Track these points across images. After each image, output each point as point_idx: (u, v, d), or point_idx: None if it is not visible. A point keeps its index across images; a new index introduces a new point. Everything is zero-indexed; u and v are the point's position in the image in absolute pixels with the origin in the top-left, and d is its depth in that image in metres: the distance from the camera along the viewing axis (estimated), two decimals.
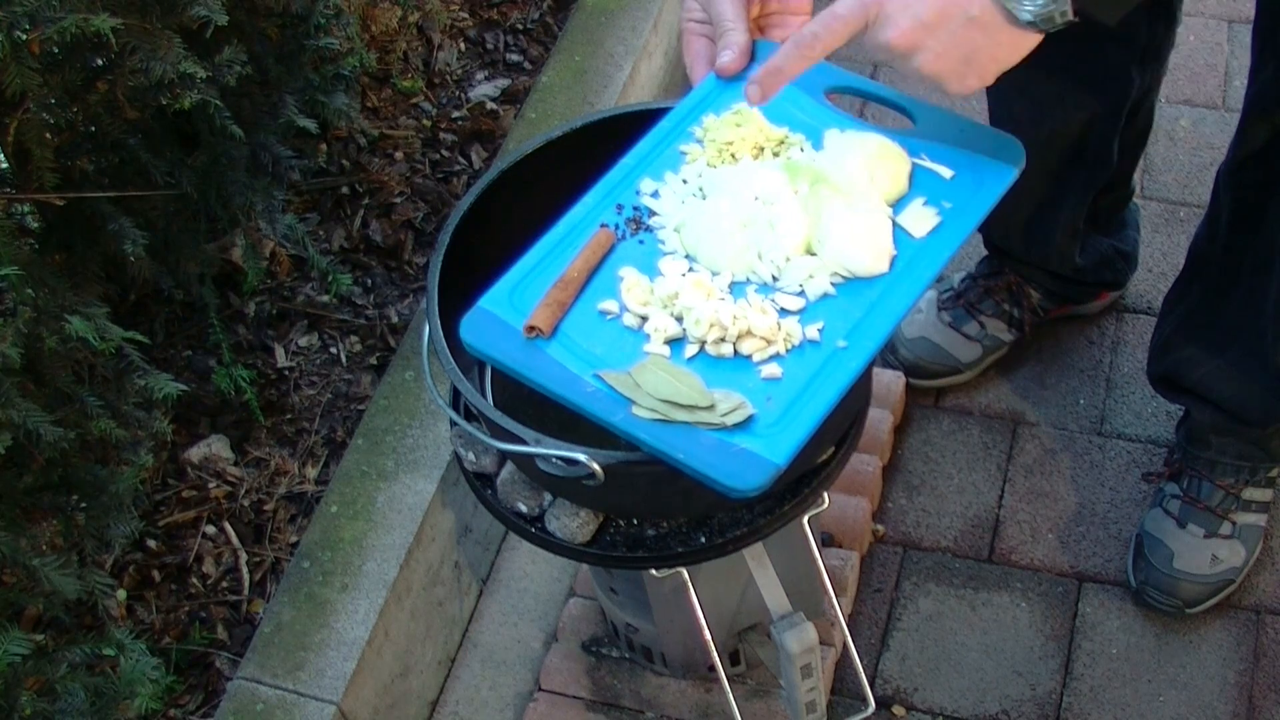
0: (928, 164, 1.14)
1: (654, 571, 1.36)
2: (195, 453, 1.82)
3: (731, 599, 1.54)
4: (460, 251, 1.30)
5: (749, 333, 1.04)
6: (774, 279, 1.08)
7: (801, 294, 1.07)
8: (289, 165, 1.78)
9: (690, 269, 1.09)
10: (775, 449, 0.98)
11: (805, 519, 1.41)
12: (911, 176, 1.13)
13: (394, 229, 2.07)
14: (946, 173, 1.13)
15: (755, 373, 1.03)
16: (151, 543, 1.75)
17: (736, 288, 1.08)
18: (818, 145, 1.16)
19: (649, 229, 1.13)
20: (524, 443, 1.16)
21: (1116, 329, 2.03)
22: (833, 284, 1.07)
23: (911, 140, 1.15)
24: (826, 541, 1.78)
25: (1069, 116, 1.68)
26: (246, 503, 1.79)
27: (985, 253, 1.97)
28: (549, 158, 1.36)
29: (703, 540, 1.29)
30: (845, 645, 1.63)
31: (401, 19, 2.27)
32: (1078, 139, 1.71)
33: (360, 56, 1.98)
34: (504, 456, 1.33)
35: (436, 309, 1.24)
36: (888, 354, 1.98)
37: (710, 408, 1.00)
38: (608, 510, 1.31)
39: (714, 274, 1.09)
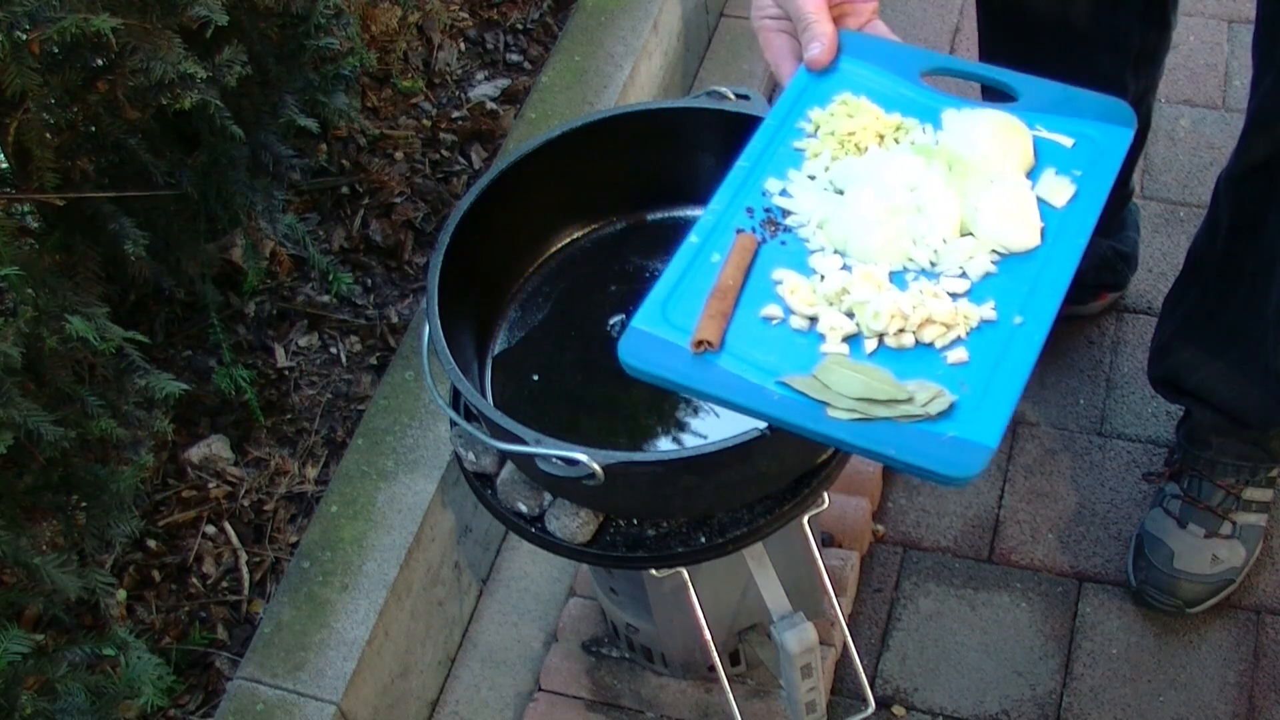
0: (1046, 134, 1.13)
1: (654, 571, 1.36)
2: (195, 453, 1.82)
3: (731, 599, 1.54)
4: (460, 251, 1.30)
5: (929, 320, 1.02)
6: (933, 265, 1.06)
7: (964, 276, 1.06)
8: (289, 165, 1.78)
9: (844, 264, 1.07)
10: (985, 432, 0.96)
11: (805, 519, 1.41)
12: (1035, 149, 1.13)
13: (394, 229, 2.07)
14: (1067, 141, 1.12)
15: (940, 360, 1.01)
16: (151, 543, 1.75)
17: (895, 278, 1.06)
18: (939, 126, 1.15)
19: (787, 229, 1.10)
20: (524, 443, 1.16)
21: (1116, 329, 2.03)
22: (992, 263, 1.06)
23: (1021, 113, 1.14)
24: (826, 541, 1.78)
25: None
26: (246, 503, 1.79)
27: None
28: (549, 158, 1.37)
29: (703, 540, 1.29)
30: (845, 645, 1.63)
31: (401, 19, 2.27)
32: None
33: (360, 56, 1.98)
34: (504, 456, 1.33)
35: (436, 309, 1.24)
36: None
37: (909, 400, 0.98)
38: (608, 510, 1.31)
39: (874, 265, 1.07)
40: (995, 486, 1.89)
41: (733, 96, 1.35)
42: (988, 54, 1.71)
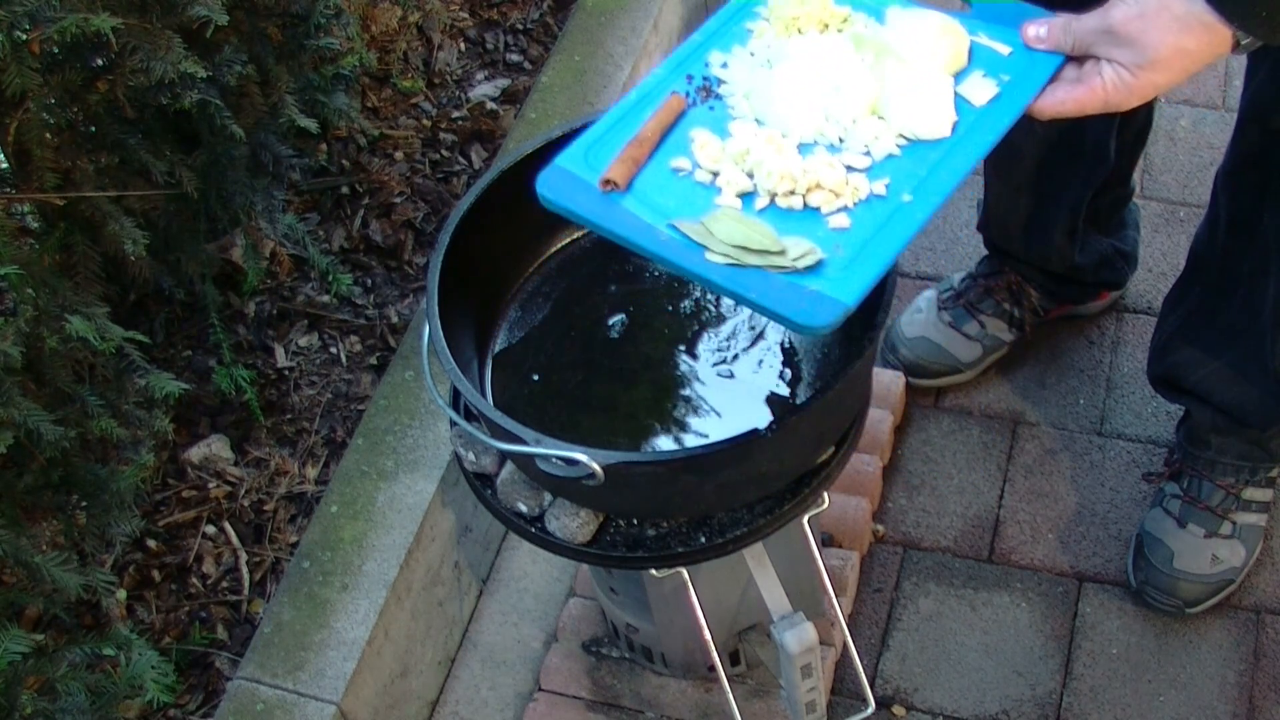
0: (985, 41, 1.18)
1: (654, 571, 1.36)
2: (195, 453, 1.82)
3: (731, 599, 1.54)
4: (460, 251, 1.30)
5: (818, 185, 1.08)
6: (840, 140, 1.13)
7: (867, 154, 1.12)
8: (289, 165, 1.78)
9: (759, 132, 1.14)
10: (845, 290, 1.02)
11: (805, 519, 1.41)
12: (971, 53, 1.18)
13: (394, 229, 2.07)
14: (1004, 49, 1.18)
15: (823, 224, 1.07)
16: (151, 543, 1.75)
17: (804, 149, 1.12)
18: (882, 21, 1.21)
19: (719, 97, 1.17)
20: (524, 443, 1.16)
21: (1116, 329, 2.03)
22: (898, 146, 1.12)
23: (969, 20, 1.20)
24: (826, 541, 1.78)
25: None
26: (246, 503, 1.80)
27: (985, 252, 1.97)
28: (549, 158, 1.36)
29: (703, 540, 1.29)
30: (845, 645, 1.63)
31: (401, 19, 2.27)
32: (1074, 138, 1.71)
33: (360, 56, 1.98)
34: (504, 456, 1.33)
35: (436, 309, 1.24)
36: (887, 353, 1.98)
37: (782, 252, 1.04)
38: (608, 510, 1.31)
39: (784, 135, 1.13)
40: (995, 486, 1.89)
41: None
42: None
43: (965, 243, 2.13)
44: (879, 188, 1.09)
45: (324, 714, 1.54)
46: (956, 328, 1.95)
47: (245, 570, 1.75)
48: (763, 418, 1.19)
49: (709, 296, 1.40)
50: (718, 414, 1.31)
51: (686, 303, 1.41)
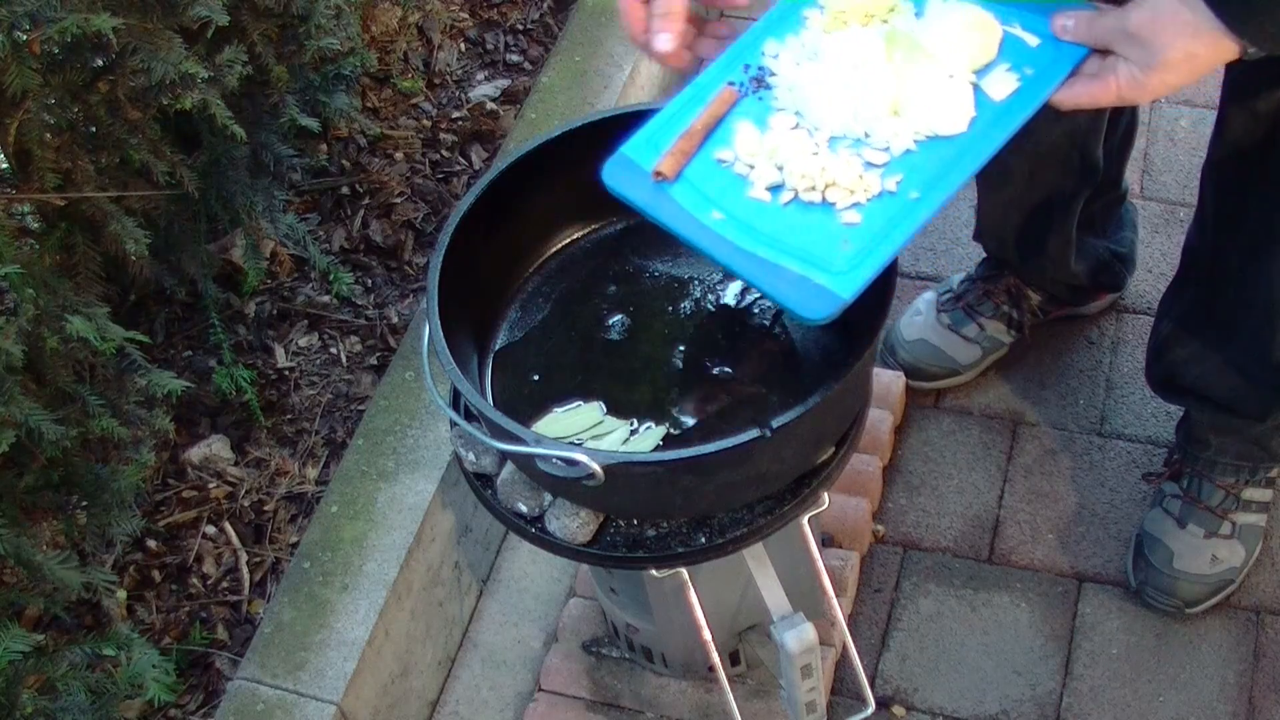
0: (1018, 31, 1.21)
1: (654, 571, 1.36)
2: (195, 453, 1.82)
3: (731, 599, 1.54)
4: (460, 251, 1.30)
5: (834, 183, 1.16)
6: (866, 135, 1.19)
7: (887, 150, 1.18)
8: (290, 165, 1.78)
9: (797, 124, 1.21)
10: (844, 285, 1.11)
11: (805, 519, 1.41)
12: (1002, 44, 1.21)
13: (394, 229, 2.07)
14: (1033, 40, 1.20)
15: (837, 217, 1.15)
16: (151, 543, 1.75)
17: (834, 141, 1.19)
18: (920, 14, 1.24)
19: (768, 87, 1.24)
20: (524, 443, 1.17)
21: (1116, 329, 2.03)
22: (915, 142, 1.17)
23: (1009, 8, 1.23)
24: (826, 541, 1.78)
25: (1049, 128, 1.67)
26: (246, 503, 1.80)
27: (985, 254, 1.97)
28: (549, 158, 1.37)
29: (703, 540, 1.29)
30: (845, 645, 1.63)
31: (401, 19, 2.27)
32: (1062, 151, 1.71)
33: (360, 56, 1.98)
34: (504, 456, 1.33)
35: (436, 309, 1.24)
36: (886, 356, 1.98)
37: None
38: (608, 510, 1.31)
39: (816, 128, 1.20)
40: (995, 486, 1.89)
41: None
42: None
43: (965, 244, 2.13)
44: (891, 184, 1.15)
45: (324, 714, 1.54)
46: (955, 330, 1.95)
47: (245, 570, 1.75)
48: (763, 418, 1.19)
49: (709, 297, 1.41)
50: (718, 415, 1.31)
51: (686, 303, 1.41)
